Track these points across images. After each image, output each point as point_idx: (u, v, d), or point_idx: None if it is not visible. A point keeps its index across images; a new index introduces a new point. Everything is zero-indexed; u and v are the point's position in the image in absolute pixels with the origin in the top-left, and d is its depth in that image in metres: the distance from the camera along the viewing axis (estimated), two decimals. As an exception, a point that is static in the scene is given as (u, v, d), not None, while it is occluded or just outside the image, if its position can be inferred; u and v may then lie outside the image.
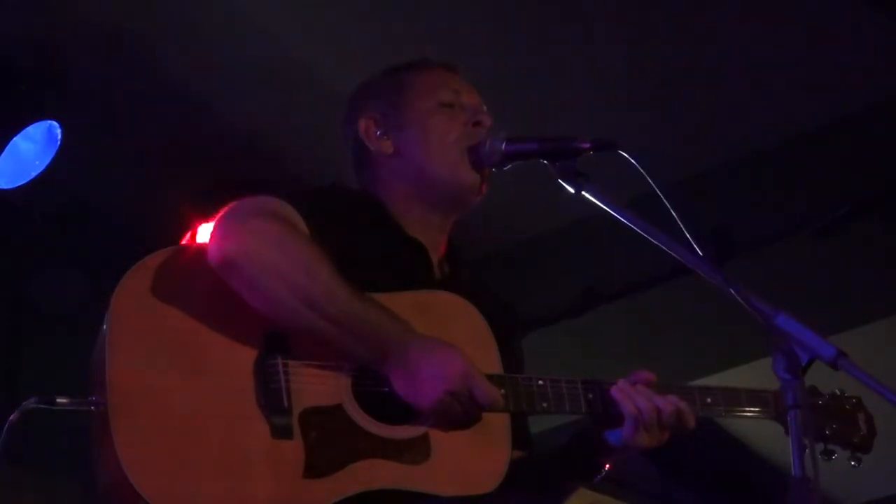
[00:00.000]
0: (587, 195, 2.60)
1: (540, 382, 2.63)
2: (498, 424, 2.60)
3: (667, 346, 5.92)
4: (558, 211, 5.59)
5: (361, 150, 2.92)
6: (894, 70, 4.90)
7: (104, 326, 2.49)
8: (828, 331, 2.31)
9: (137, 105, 5.16)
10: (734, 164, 5.43)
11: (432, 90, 2.88)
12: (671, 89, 5.09)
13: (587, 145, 2.65)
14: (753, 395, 2.82)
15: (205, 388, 2.46)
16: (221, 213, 2.60)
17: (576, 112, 5.04)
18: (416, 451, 2.52)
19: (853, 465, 2.91)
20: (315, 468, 2.45)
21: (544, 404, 2.62)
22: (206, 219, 5.11)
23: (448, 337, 2.56)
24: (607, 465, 2.75)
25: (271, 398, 2.48)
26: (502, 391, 2.57)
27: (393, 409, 2.53)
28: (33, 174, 4.96)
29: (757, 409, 2.81)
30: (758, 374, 2.75)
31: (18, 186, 4.97)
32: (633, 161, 2.57)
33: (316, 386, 2.52)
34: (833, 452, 2.88)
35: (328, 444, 2.48)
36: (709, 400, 2.76)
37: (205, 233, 5.11)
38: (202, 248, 2.55)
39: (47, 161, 4.93)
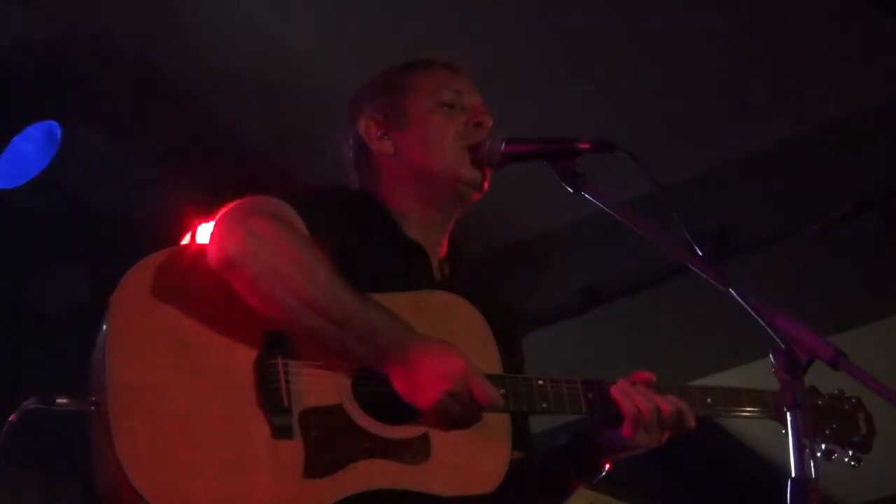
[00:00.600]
0: (587, 195, 2.60)
1: (540, 382, 2.64)
2: (498, 424, 2.60)
3: (667, 346, 5.92)
4: (558, 211, 5.59)
5: (362, 150, 2.92)
6: (894, 70, 4.90)
7: (104, 326, 2.49)
8: (828, 331, 2.31)
9: (137, 105, 5.16)
10: (734, 164, 5.43)
11: (433, 90, 2.88)
12: (671, 89, 5.09)
13: (587, 146, 2.65)
14: (753, 395, 2.82)
15: (205, 388, 2.47)
16: (221, 213, 2.60)
17: (575, 112, 5.03)
18: (415, 450, 2.53)
19: (853, 465, 2.91)
20: (315, 468, 2.45)
21: (544, 404, 2.62)
22: (206, 219, 5.11)
23: (448, 337, 2.56)
24: (607, 465, 2.75)
25: (271, 398, 2.48)
26: (502, 391, 2.58)
27: (393, 408, 2.53)
28: (33, 174, 4.96)
29: (757, 409, 2.82)
30: (758, 374, 2.75)
31: (18, 186, 4.97)
32: (633, 161, 2.57)
33: (316, 386, 2.52)
34: (833, 452, 2.88)
35: (328, 444, 2.48)
36: (709, 400, 2.76)
37: (205, 233, 5.11)
38: (202, 249, 2.56)
39: (47, 161, 4.93)
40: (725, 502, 7.41)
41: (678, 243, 2.47)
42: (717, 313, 5.21)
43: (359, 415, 2.52)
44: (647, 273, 5.49)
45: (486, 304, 2.74)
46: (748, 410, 2.81)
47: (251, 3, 4.79)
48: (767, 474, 7.00)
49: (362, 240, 2.70)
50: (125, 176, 5.36)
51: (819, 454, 2.84)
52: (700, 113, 5.20)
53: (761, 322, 2.26)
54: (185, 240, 5.10)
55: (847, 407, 2.94)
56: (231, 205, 2.62)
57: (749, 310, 2.29)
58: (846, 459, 2.91)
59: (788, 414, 2.17)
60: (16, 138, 4.95)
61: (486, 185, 2.83)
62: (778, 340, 2.22)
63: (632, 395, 2.64)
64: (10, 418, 2.54)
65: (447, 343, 2.54)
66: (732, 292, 2.32)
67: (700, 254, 2.46)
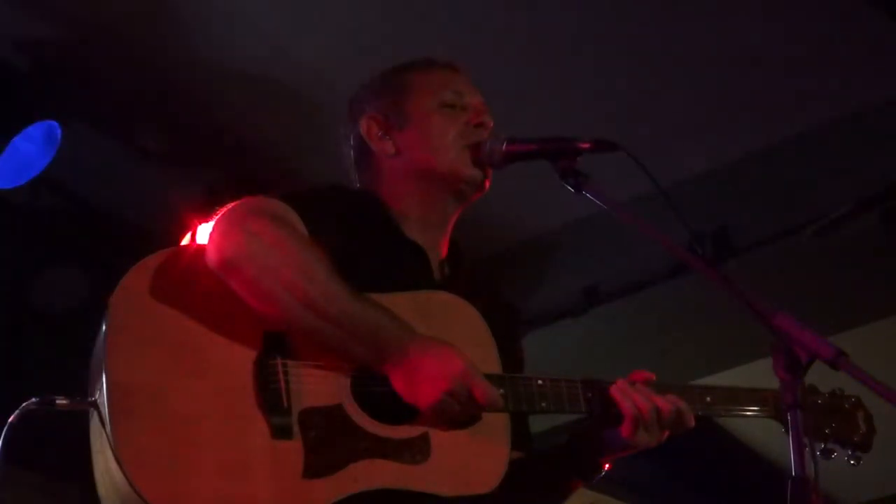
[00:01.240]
0: (588, 195, 2.60)
1: (539, 382, 2.64)
2: (498, 424, 2.60)
3: (666, 345, 5.92)
4: (558, 211, 5.59)
5: (363, 150, 2.92)
6: (894, 70, 4.90)
7: (103, 327, 2.49)
8: (828, 331, 2.32)
9: (137, 105, 5.16)
10: (734, 164, 5.44)
11: (434, 90, 2.88)
12: (671, 90, 5.09)
13: (587, 145, 2.66)
14: (753, 395, 2.82)
15: (204, 388, 2.46)
16: (220, 213, 2.60)
17: (576, 112, 5.04)
18: (415, 450, 2.53)
19: (852, 464, 2.91)
20: (315, 468, 2.45)
21: (543, 404, 2.62)
22: (205, 219, 5.11)
23: (447, 337, 2.56)
24: (607, 465, 2.75)
25: (271, 398, 2.48)
26: (501, 391, 2.58)
27: (392, 408, 2.54)
28: (33, 174, 4.96)
29: (756, 409, 2.82)
30: (758, 374, 2.75)
31: (18, 186, 4.97)
32: (634, 160, 2.57)
33: (315, 386, 2.52)
34: (832, 451, 2.88)
35: (328, 444, 2.48)
36: (708, 399, 2.77)
37: (204, 233, 5.11)
38: (201, 249, 2.56)
39: (47, 161, 4.93)
40: (725, 502, 7.41)
41: (678, 243, 2.47)
42: (716, 313, 5.22)
43: (358, 415, 2.52)
44: (647, 273, 5.49)
45: (486, 305, 2.74)
46: (748, 410, 2.81)
47: (252, 3, 4.78)
48: (767, 474, 7.00)
49: (362, 240, 2.70)
50: (125, 176, 5.37)
51: (819, 453, 2.85)
52: (700, 113, 5.20)
53: (761, 322, 2.26)
54: (185, 240, 5.10)
55: (847, 406, 2.94)
56: (230, 205, 2.62)
57: (749, 309, 2.29)
58: (846, 458, 2.91)
59: (788, 413, 2.17)
60: (16, 138, 4.95)
61: (486, 184, 2.83)
62: (778, 340, 2.22)
63: (631, 395, 2.64)
64: (9, 419, 2.54)
65: (447, 343, 2.54)
66: (732, 292, 2.32)
67: (700, 254, 2.46)
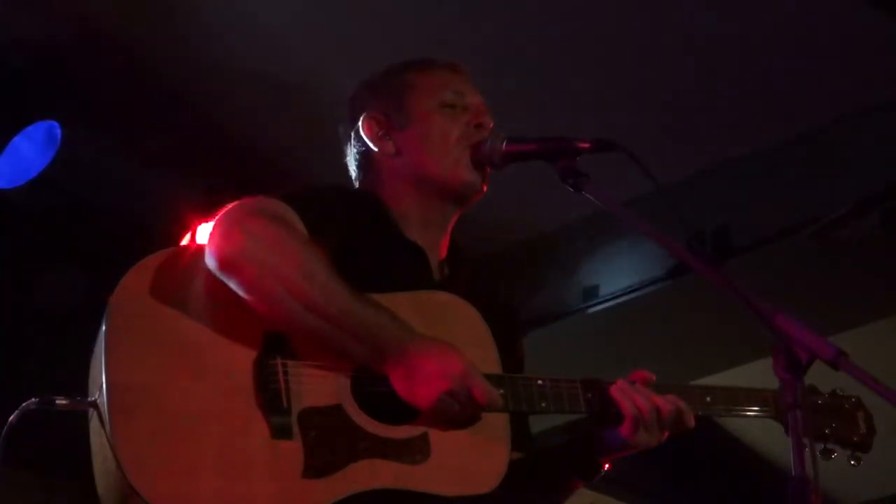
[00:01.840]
0: (588, 195, 2.60)
1: (539, 382, 2.64)
2: (497, 424, 2.60)
3: (666, 345, 5.92)
4: (558, 211, 5.59)
5: (363, 149, 2.92)
6: (894, 70, 4.90)
7: (103, 327, 2.49)
8: (828, 331, 2.32)
9: (137, 105, 5.16)
10: (734, 164, 5.44)
11: (435, 90, 2.88)
12: (672, 89, 5.09)
13: (587, 145, 2.66)
14: (753, 395, 2.82)
15: (204, 388, 2.46)
16: (220, 213, 2.60)
17: (575, 112, 5.04)
18: (415, 450, 2.53)
19: (853, 464, 2.91)
20: (314, 468, 2.45)
21: (543, 404, 2.63)
22: (205, 219, 5.12)
23: (447, 337, 2.56)
24: (607, 465, 2.75)
25: (270, 398, 2.48)
26: (501, 391, 2.58)
27: (392, 409, 2.53)
28: (33, 174, 4.96)
29: (756, 409, 2.82)
30: (758, 374, 2.75)
31: (18, 186, 4.97)
32: (633, 160, 2.57)
33: (315, 386, 2.52)
34: (832, 451, 2.88)
35: (327, 445, 2.48)
36: (708, 399, 2.77)
37: (204, 233, 5.11)
38: (201, 249, 2.55)
39: (47, 161, 4.93)
40: (725, 502, 7.41)
41: (678, 243, 2.47)
42: (717, 313, 5.22)
43: (358, 415, 2.52)
44: (647, 273, 5.49)
45: (486, 305, 2.74)
46: (748, 410, 2.82)
47: (252, 3, 4.78)
48: (767, 474, 7.00)
49: (362, 240, 2.70)
50: (125, 176, 5.36)
51: (819, 453, 2.85)
52: (700, 113, 5.20)
53: (761, 322, 2.26)
54: (185, 240, 5.11)
55: (847, 406, 2.94)
56: (230, 205, 2.62)
57: (749, 309, 2.29)
58: (846, 458, 2.91)
59: (788, 413, 2.17)
60: (16, 138, 4.95)
61: (485, 186, 2.83)
62: (778, 340, 2.22)
63: (631, 395, 2.64)
64: (9, 419, 2.54)
65: (446, 343, 2.54)
66: (732, 292, 2.32)
67: (700, 254, 2.46)
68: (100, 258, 5.14)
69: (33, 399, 2.54)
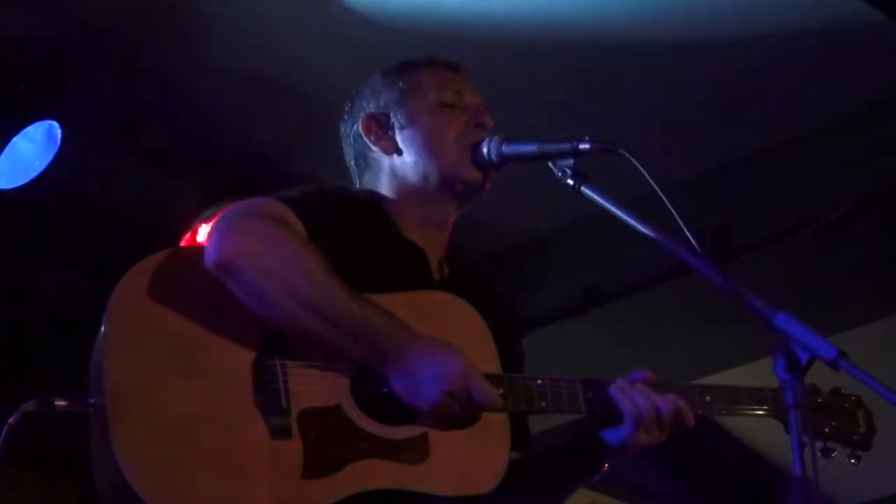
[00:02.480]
0: (587, 195, 2.60)
1: (539, 382, 2.64)
2: (497, 424, 2.60)
3: (667, 345, 5.92)
4: (558, 211, 5.59)
5: (362, 149, 2.92)
6: (894, 70, 4.90)
7: (102, 328, 2.49)
8: (828, 331, 2.31)
9: (137, 105, 5.16)
10: (734, 164, 5.44)
11: (435, 90, 2.88)
12: (671, 89, 5.09)
13: (587, 146, 2.66)
14: (753, 394, 2.82)
15: (203, 389, 2.46)
16: (219, 215, 2.60)
17: (576, 112, 5.04)
18: (414, 451, 2.52)
19: (853, 463, 2.91)
20: (314, 468, 2.45)
21: (543, 404, 2.63)
22: (205, 220, 5.12)
23: (446, 337, 2.56)
24: (606, 465, 2.75)
25: (270, 399, 2.48)
26: (501, 391, 2.58)
27: (392, 409, 2.53)
28: (33, 174, 4.96)
29: (757, 408, 2.82)
30: (758, 374, 2.75)
31: (18, 186, 4.97)
32: (633, 161, 2.57)
33: (314, 387, 2.52)
34: (833, 450, 2.88)
35: (327, 445, 2.48)
36: (708, 398, 2.77)
37: (204, 234, 5.12)
38: (200, 250, 2.55)
39: (47, 161, 4.93)
40: (725, 502, 7.41)
41: (678, 243, 2.47)
42: (717, 313, 5.22)
43: (357, 415, 2.52)
44: (647, 273, 5.49)
45: (486, 304, 2.74)
46: (748, 409, 2.81)
47: (252, 3, 4.78)
48: (767, 474, 7.00)
49: (361, 241, 2.70)
50: (125, 176, 5.36)
51: (819, 452, 2.85)
52: (700, 113, 5.20)
53: (761, 321, 2.26)
54: (185, 240, 5.11)
55: (847, 404, 2.94)
56: (229, 207, 2.62)
57: (749, 309, 2.29)
58: (846, 457, 2.91)
59: (789, 413, 2.17)
60: (16, 138, 4.95)
61: (486, 185, 2.83)
62: (778, 340, 2.22)
63: (631, 395, 2.64)
64: (9, 421, 2.54)
65: (446, 343, 2.54)
66: (732, 292, 2.33)
67: (700, 253, 2.46)
68: (100, 258, 5.14)
69: (32, 400, 2.54)
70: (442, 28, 4.78)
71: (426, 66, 2.95)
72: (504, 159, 2.78)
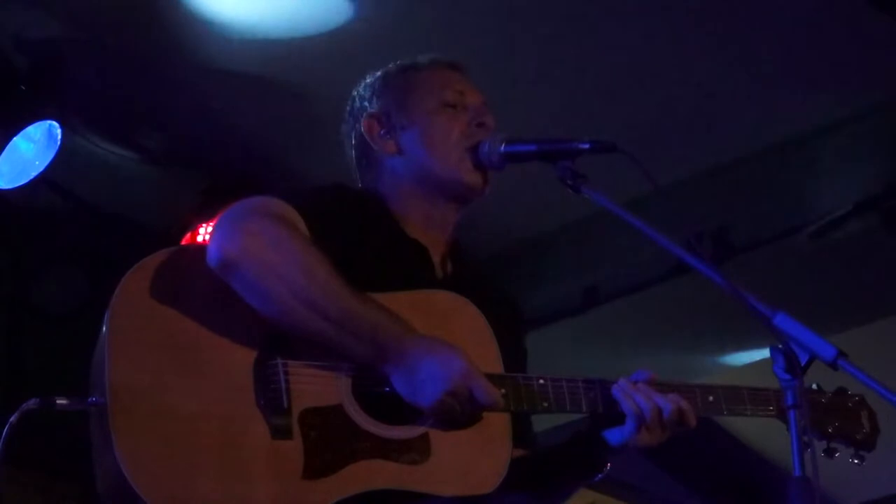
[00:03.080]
0: (587, 195, 2.60)
1: (540, 382, 2.63)
2: (499, 424, 2.60)
3: (667, 345, 5.93)
4: (558, 211, 5.59)
5: (364, 149, 2.91)
6: (894, 70, 4.90)
7: (104, 327, 2.49)
8: (828, 331, 2.32)
9: (137, 106, 5.16)
10: (734, 164, 5.44)
11: (436, 90, 2.87)
12: (671, 89, 5.09)
13: (586, 146, 2.66)
14: (755, 394, 2.81)
15: (204, 388, 2.46)
16: (221, 213, 2.60)
17: (576, 112, 5.04)
18: (416, 451, 2.52)
19: (856, 463, 2.91)
20: (315, 468, 2.45)
21: (545, 404, 2.62)
22: (206, 219, 5.12)
23: (448, 336, 2.56)
24: (608, 465, 2.75)
25: (271, 399, 2.48)
26: (502, 391, 2.57)
27: (393, 409, 2.53)
28: (33, 174, 4.96)
29: (759, 408, 2.81)
30: (758, 374, 2.75)
31: (18, 186, 4.97)
32: (633, 161, 2.57)
33: (315, 386, 2.52)
34: (835, 451, 2.88)
35: (328, 445, 2.48)
36: (710, 398, 2.76)
37: (204, 234, 5.12)
38: (202, 249, 2.55)
39: (47, 161, 4.93)
40: (725, 502, 7.41)
41: (678, 243, 2.47)
42: (716, 313, 5.22)
43: (359, 415, 2.52)
44: (647, 273, 5.49)
45: (489, 303, 2.73)
46: (750, 409, 2.81)
47: (252, 3, 4.78)
48: (768, 474, 7.00)
49: (363, 240, 2.70)
50: (125, 176, 5.36)
51: (822, 452, 2.84)
52: (700, 113, 5.20)
53: (761, 322, 2.26)
54: (185, 240, 5.11)
55: (850, 404, 2.93)
56: (231, 205, 2.62)
57: (749, 309, 2.29)
58: (849, 458, 2.91)
59: (790, 413, 2.17)
60: (16, 138, 4.95)
61: (486, 188, 2.83)
62: (778, 340, 2.22)
63: (632, 394, 2.64)
64: (10, 420, 2.54)
65: (448, 343, 2.54)
66: (732, 292, 2.33)
67: (699, 253, 2.46)
68: (100, 258, 5.15)
69: (33, 399, 2.54)
70: (442, 27, 4.78)
71: (427, 66, 2.95)
72: (504, 159, 2.77)
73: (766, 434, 6.82)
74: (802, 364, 2.21)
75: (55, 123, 4.93)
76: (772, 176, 5.36)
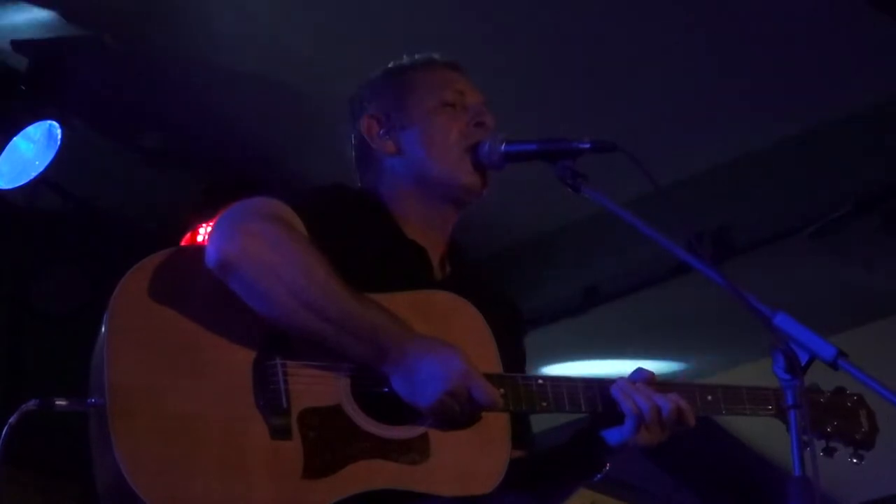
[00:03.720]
0: (587, 195, 2.60)
1: (539, 382, 2.63)
2: (498, 424, 2.60)
3: (667, 345, 5.93)
4: (558, 211, 5.59)
5: (364, 149, 2.91)
6: (894, 70, 4.90)
7: (103, 328, 2.49)
8: (828, 331, 2.32)
9: (137, 106, 5.16)
10: (734, 164, 5.44)
11: (435, 89, 2.87)
12: (671, 89, 5.09)
13: (586, 146, 2.66)
14: (754, 393, 2.81)
15: (203, 389, 2.46)
16: (220, 214, 2.60)
17: (576, 112, 5.04)
18: (415, 451, 2.52)
19: (855, 463, 2.91)
20: (314, 468, 2.45)
21: (544, 403, 2.62)
22: (206, 219, 5.12)
23: (447, 336, 2.56)
24: (607, 465, 2.75)
25: (270, 399, 2.48)
26: (501, 391, 2.57)
27: (392, 409, 2.53)
28: (33, 174, 4.96)
29: (758, 408, 2.81)
30: (758, 374, 2.75)
31: (18, 186, 4.98)
32: (633, 161, 2.57)
33: (315, 386, 2.51)
34: (834, 450, 2.88)
35: (327, 445, 2.48)
36: (709, 398, 2.76)
37: (204, 234, 5.12)
38: (201, 249, 2.55)
39: (47, 161, 4.94)
40: (725, 502, 7.41)
41: (678, 243, 2.47)
42: (717, 313, 5.22)
43: (358, 415, 2.52)
44: (647, 273, 5.49)
45: (488, 304, 2.73)
46: (749, 408, 2.81)
47: (252, 2, 4.79)
48: (767, 473, 7.00)
49: (362, 240, 2.70)
50: (125, 176, 5.37)
51: (821, 451, 2.84)
52: (700, 113, 5.20)
53: (761, 322, 2.26)
54: (185, 240, 5.11)
55: (849, 404, 2.93)
56: (230, 206, 2.62)
57: (749, 309, 2.29)
58: (848, 457, 2.91)
59: (789, 413, 2.17)
60: (16, 138, 4.96)
61: (485, 189, 2.83)
62: (778, 340, 2.22)
63: (632, 394, 2.64)
64: (9, 421, 2.54)
65: (447, 343, 2.54)
66: (732, 292, 2.32)
67: (700, 254, 2.46)
68: (100, 258, 5.16)
69: (33, 401, 2.54)
70: (442, 27, 4.78)
71: (427, 66, 2.95)
72: (504, 159, 2.77)
73: (766, 434, 6.81)
74: (802, 364, 2.21)
75: (55, 123, 4.94)
76: (772, 176, 5.36)
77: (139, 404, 2.42)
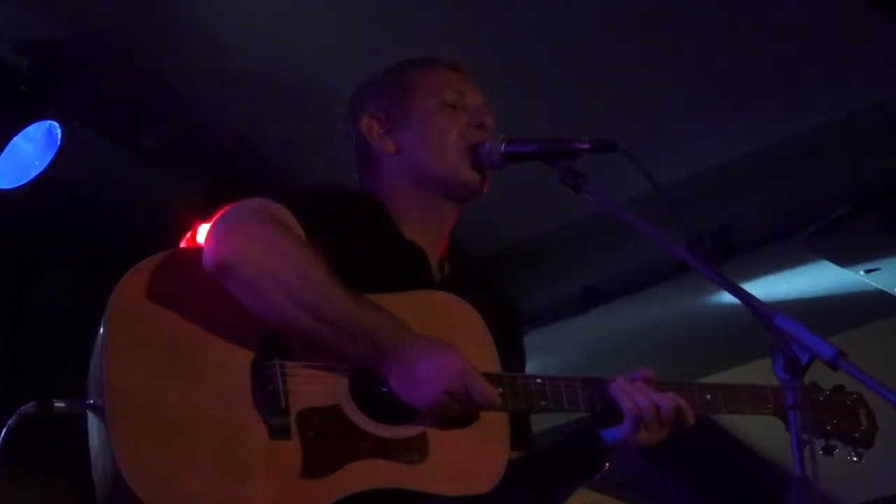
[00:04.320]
0: (587, 195, 2.60)
1: (538, 381, 2.63)
2: (497, 423, 2.60)
3: (667, 345, 5.93)
4: (558, 211, 5.59)
5: (364, 148, 2.92)
6: (894, 70, 4.90)
7: (102, 329, 2.49)
8: (828, 331, 2.32)
9: (137, 106, 5.16)
10: (734, 164, 5.44)
11: (436, 90, 2.87)
12: (671, 89, 5.09)
13: (586, 146, 2.66)
14: (753, 392, 2.82)
15: (202, 390, 2.46)
16: (218, 216, 2.60)
17: (576, 112, 5.04)
18: (414, 450, 2.52)
19: (854, 461, 2.91)
20: (313, 468, 2.45)
21: (543, 403, 2.62)
22: (205, 220, 5.12)
23: (445, 336, 2.56)
24: (606, 464, 2.75)
25: (269, 399, 2.48)
26: (500, 390, 2.57)
27: (391, 409, 2.53)
28: (33, 174, 4.96)
29: (757, 406, 2.81)
30: (758, 373, 2.75)
31: (18, 186, 4.98)
32: (633, 161, 2.57)
33: (313, 387, 2.52)
34: (834, 448, 2.88)
35: (326, 445, 2.48)
36: (708, 397, 2.76)
37: (203, 234, 5.12)
38: (198, 251, 2.55)
39: (47, 161, 4.94)
40: (725, 502, 7.41)
41: (678, 243, 2.47)
42: (717, 313, 5.23)
43: (356, 415, 2.52)
44: (647, 273, 5.49)
45: (486, 304, 2.74)
46: (748, 407, 2.81)
47: (252, 3, 4.79)
48: (767, 473, 7.00)
49: (360, 241, 2.70)
50: (125, 176, 5.37)
51: (820, 450, 2.84)
52: (700, 113, 5.20)
53: (761, 322, 2.26)
54: (185, 240, 5.11)
55: (849, 402, 2.93)
56: (228, 207, 2.62)
57: (749, 309, 2.29)
58: (848, 456, 2.91)
59: (790, 413, 2.17)
60: (16, 138, 4.96)
61: (485, 187, 2.83)
62: (777, 340, 2.22)
63: (631, 393, 2.64)
64: (8, 422, 2.54)
65: (445, 342, 2.54)
66: (732, 292, 2.33)
67: (700, 254, 2.46)
68: (99, 259, 5.15)
69: (31, 402, 2.54)
70: (443, 27, 4.78)
71: (428, 66, 2.95)
72: (504, 159, 2.77)
73: (766, 434, 6.81)
74: (802, 364, 2.21)
75: (55, 123, 4.94)
76: (772, 176, 5.36)
77: (138, 405, 2.42)
